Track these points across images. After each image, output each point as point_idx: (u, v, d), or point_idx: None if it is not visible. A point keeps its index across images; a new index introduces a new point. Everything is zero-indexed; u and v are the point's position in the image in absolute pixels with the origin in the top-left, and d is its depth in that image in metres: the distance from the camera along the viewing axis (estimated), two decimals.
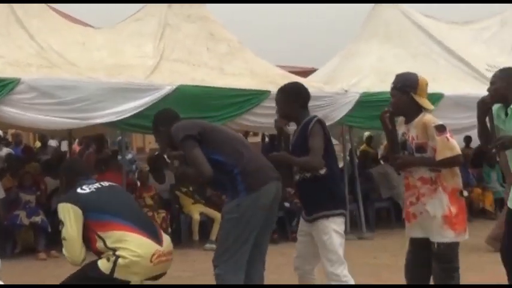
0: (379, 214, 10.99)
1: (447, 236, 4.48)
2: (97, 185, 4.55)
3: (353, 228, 10.04)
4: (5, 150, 11.82)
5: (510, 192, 4.68)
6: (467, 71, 11.00)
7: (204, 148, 4.50)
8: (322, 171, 4.65)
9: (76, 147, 13.19)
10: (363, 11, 12.26)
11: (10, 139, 14.30)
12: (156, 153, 13.36)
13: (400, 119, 4.76)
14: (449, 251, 4.51)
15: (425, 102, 4.63)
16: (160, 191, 9.92)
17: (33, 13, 9.21)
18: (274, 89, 8.94)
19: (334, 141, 14.76)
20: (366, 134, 14.50)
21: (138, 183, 10.25)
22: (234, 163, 4.50)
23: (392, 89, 4.71)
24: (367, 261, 7.73)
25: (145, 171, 10.40)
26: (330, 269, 4.62)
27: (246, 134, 12.69)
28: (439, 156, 4.43)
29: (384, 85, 9.98)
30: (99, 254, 4.31)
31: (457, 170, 4.59)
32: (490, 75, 11.94)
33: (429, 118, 4.56)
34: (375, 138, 17.38)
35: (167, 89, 8.42)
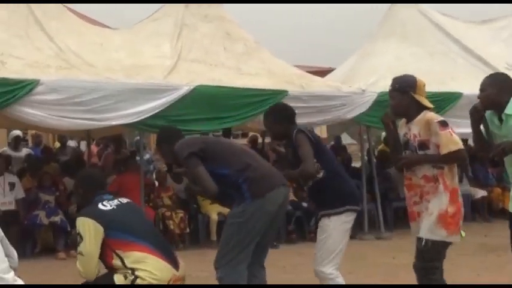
0: (398, 214, 10.93)
1: (439, 234, 4.44)
2: (117, 201, 4.48)
3: (371, 228, 10.01)
4: (25, 151, 11.90)
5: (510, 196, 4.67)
6: (486, 70, 10.88)
7: (209, 163, 4.56)
8: (320, 175, 4.81)
9: (94, 148, 13.25)
10: (380, 10, 12.24)
11: (30, 140, 14.41)
12: None
13: (402, 121, 4.76)
14: (435, 250, 4.47)
15: (425, 101, 4.63)
16: (178, 191, 9.94)
17: (52, 14, 9.27)
18: (291, 89, 9.04)
19: (352, 141, 14.80)
20: (384, 133, 14.44)
21: (156, 184, 10.29)
22: (239, 173, 4.54)
23: (391, 91, 4.73)
24: (385, 261, 7.71)
25: (163, 171, 10.44)
26: (318, 266, 4.75)
27: (263, 133, 12.67)
28: (444, 150, 4.43)
29: None
30: (112, 269, 4.28)
31: (455, 170, 4.57)
32: (510, 73, 11.80)
33: (432, 115, 4.57)
34: None
35: (185, 89, 8.45)
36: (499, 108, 4.48)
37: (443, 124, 4.48)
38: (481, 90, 4.58)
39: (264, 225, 4.54)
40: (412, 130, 4.61)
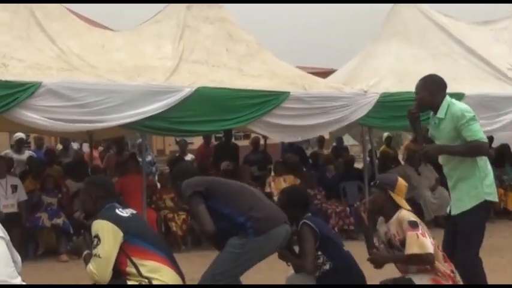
0: None
1: (422, 279, 4.43)
2: (130, 210, 4.51)
3: None
4: (27, 153, 11.90)
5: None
6: (489, 70, 10.88)
7: (214, 201, 4.69)
8: (327, 267, 4.88)
9: (94, 150, 13.20)
10: (382, 11, 12.20)
11: (32, 142, 14.39)
12: (177, 154, 13.40)
13: (381, 219, 4.76)
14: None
15: (402, 202, 4.62)
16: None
17: (53, 16, 9.25)
18: (293, 90, 9.02)
19: (354, 142, 14.77)
20: (385, 134, 14.42)
21: (159, 185, 10.28)
22: (242, 214, 4.64)
23: (372, 186, 4.83)
24: None
25: (166, 173, 10.42)
26: None
27: (266, 136, 12.64)
28: (408, 251, 4.37)
29: (403, 85, 9.92)
30: (123, 276, 4.25)
31: (440, 257, 4.51)
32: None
33: (404, 213, 4.53)
34: (395, 138, 17.26)
35: (187, 90, 8.44)
36: (435, 110, 4.71)
37: (413, 225, 4.41)
38: (415, 93, 4.84)
39: (257, 261, 4.72)
40: (391, 230, 4.60)
